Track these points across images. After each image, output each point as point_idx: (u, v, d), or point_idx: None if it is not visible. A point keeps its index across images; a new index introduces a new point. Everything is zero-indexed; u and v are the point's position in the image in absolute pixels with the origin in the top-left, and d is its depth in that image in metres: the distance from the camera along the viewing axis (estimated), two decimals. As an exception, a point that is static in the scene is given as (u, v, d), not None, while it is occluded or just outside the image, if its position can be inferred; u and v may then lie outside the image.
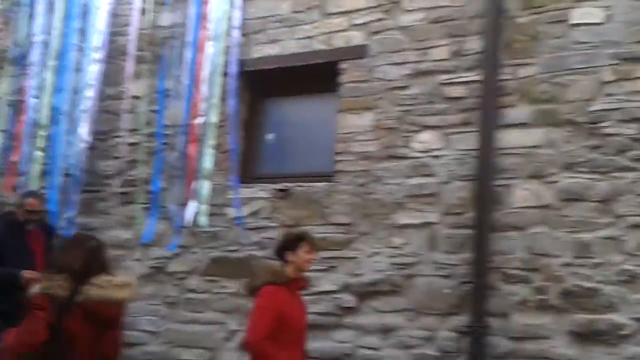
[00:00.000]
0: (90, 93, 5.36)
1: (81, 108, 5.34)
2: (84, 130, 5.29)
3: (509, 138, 4.24)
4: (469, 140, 4.33)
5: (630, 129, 3.95)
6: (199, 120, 5.01)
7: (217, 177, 4.98)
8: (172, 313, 5.00)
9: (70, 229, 5.12)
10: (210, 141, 4.98)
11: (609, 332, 3.81)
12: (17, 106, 5.68)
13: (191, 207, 4.82)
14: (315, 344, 4.53)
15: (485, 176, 4.22)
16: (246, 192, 4.98)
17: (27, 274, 4.19)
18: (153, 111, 5.51)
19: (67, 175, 5.35)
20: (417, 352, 4.26)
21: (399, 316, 4.37)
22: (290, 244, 3.44)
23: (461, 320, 4.15)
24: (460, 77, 4.46)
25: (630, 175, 3.92)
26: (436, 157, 4.45)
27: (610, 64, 4.05)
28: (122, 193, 5.39)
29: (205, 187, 4.90)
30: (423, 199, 4.43)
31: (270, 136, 5.47)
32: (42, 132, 5.42)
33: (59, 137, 5.37)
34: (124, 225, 5.37)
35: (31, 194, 4.84)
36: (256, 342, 3.15)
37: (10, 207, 5.09)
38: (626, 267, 3.83)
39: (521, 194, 4.15)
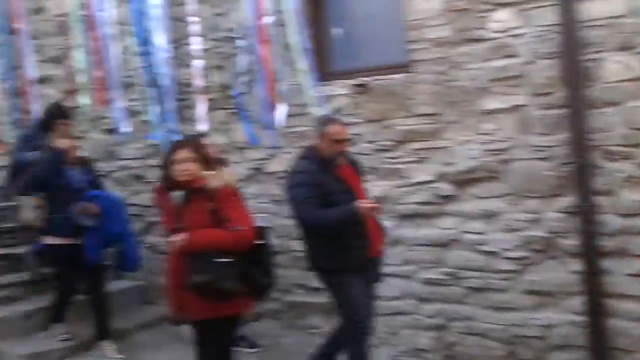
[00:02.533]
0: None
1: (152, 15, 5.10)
2: (161, 39, 5.13)
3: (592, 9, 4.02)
4: (549, 15, 4.15)
5: None
6: (266, 20, 4.82)
7: (292, 76, 4.80)
8: (281, 210, 4.99)
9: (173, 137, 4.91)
10: (286, 39, 4.75)
11: None
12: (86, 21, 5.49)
13: (281, 109, 4.77)
14: (420, 231, 4.69)
15: (572, 51, 4.07)
16: (324, 89, 4.90)
17: (361, 204, 3.67)
18: (218, 15, 5.43)
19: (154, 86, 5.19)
20: (524, 235, 4.32)
21: (501, 201, 4.40)
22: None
23: (566, 201, 4.16)
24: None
25: None
26: (516, 36, 4.29)
27: None
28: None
29: (284, 87, 4.82)
30: (508, 82, 4.33)
31: (337, 30, 5.33)
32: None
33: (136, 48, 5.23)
34: (216, 131, 5.42)
35: (332, 119, 4.10)
36: None
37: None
38: None
39: (613, 68, 4.00)
